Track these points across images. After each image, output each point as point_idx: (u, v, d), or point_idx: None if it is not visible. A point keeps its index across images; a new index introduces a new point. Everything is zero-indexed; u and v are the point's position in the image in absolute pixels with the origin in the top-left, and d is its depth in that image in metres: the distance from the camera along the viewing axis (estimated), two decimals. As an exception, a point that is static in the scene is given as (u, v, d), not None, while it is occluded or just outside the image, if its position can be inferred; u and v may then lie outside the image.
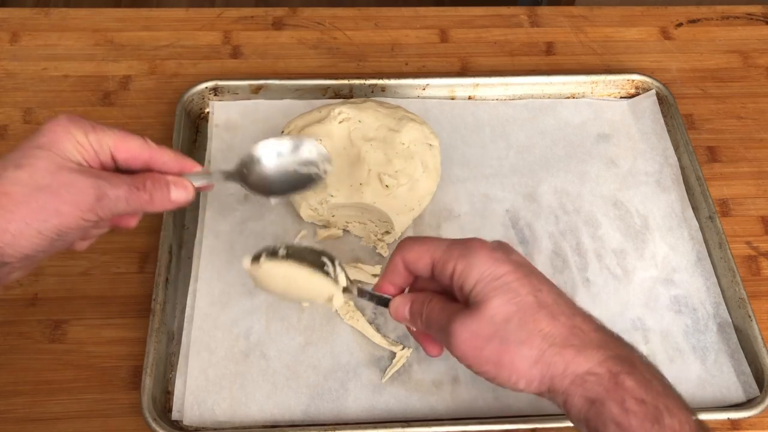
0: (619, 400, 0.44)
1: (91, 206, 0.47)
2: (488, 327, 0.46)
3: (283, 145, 0.56)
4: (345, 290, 0.54)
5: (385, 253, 0.69)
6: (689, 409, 0.46)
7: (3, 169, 0.46)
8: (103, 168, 0.49)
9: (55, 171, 0.46)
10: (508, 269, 0.47)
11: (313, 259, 0.54)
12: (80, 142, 0.48)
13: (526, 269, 0.49)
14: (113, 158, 0.50)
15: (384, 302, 0.54)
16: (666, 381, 0.48)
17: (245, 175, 0.55)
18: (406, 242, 0.52)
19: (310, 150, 0.57)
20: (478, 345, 0.47)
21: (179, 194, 0.51)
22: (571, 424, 0.59)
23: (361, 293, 0.54)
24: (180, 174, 0.51)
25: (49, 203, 0.45)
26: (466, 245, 0.49)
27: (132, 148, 0.50)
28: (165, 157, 0.51)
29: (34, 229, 0.45)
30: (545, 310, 0.47)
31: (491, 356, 0.47)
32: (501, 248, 0.49)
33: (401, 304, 0.52)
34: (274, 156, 0.56)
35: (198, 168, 0.52)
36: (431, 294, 0.52)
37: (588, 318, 0.48)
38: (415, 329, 0.54)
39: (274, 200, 0.57)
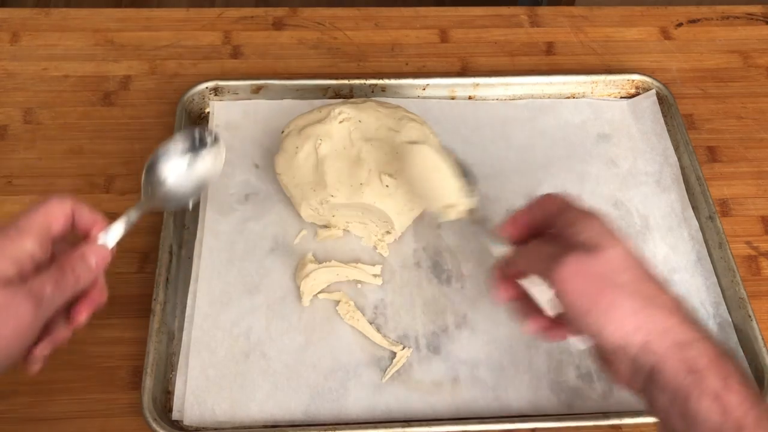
0: (723, 376, 0.44)
1: (29, 321, 0.45)
2: (601, 266, 0.47)
3: (168, 151, 0.56)
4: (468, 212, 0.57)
5: (385, 253, 0.69)
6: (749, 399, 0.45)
7: None
8: (45, 252, 0.48)
9: None
10: (624, 243, 0.49)
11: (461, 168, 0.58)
12: (16, 257, 0.46)
13: (638, 252, 0.50)
14: (53, 238, 0.49)
15: (494, 241, 0.56)
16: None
17: (152, 198, 0.55)
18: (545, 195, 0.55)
19: (190, 137, 0.56)
20: (586, 279, 0.47)
21: (98, 260, 0.50)
22: (571, 424, 0.59)
23: (479, 221, 0.59)
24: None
25: None
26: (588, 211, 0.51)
27: (60, 223, 0.49)
28: (84, 218, 0.50)
29: None
30: (655, 282, 0.48)
31: (593, 293, 0.47)
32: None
33: (512, 227, 0.55)
34: (166, 166, 0.56)
35: (105, 224, 0.51)
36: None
37: (692, 309, 0.49)
38: (500, 273, 0.55)
39: (191, 203, 0.57)
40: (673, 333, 0.46)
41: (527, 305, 0.54)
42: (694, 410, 0.44)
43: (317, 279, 0.66)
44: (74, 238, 0.51)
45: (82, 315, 0.49)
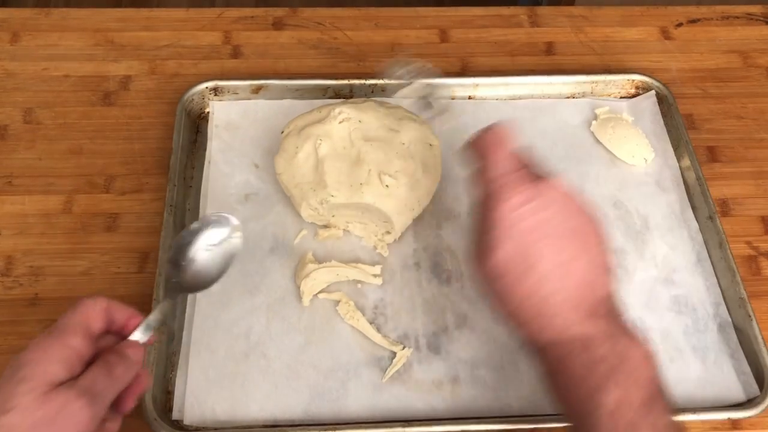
0: (564, 375, 0.49)
1: (89, 418, 0.46)
2: (490, 272, 0.51)
3: (198, 236, 0.58)
4: None
5: (385, 253, 0.69)
6: (646, 389, 0.48)
7: None
8: (90, 350, 0.49)
9: (43, 401, 0.45)
10: (522, 228, 0.50)
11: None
12: (65, 358, 0.47)
13: (542, 232, 0.51)
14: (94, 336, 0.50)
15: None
16: (627, 362, 0.49)
17: (179, 287, 0.56)
18: (489, 136, 0.55)
19: (218, 230, 0.58)
20: (479, 277, 0.53)
21: (135, 356, 0.51)
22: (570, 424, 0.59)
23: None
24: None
25: None
26: (502, 188, 0.51)
27: (98, 322, 0.50)
28: (120, 313, 0.52)
29: None
30: (533, 279, 0.50)
31: (485, 289, 0.53)
32: (533, 202, 0.51)
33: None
34: (198, 251, 0.57)
35: (140, 318, 0.53)
36: None
37: (572, 295, 0.51)
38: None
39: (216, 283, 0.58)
40: (537, 339, 0.50)
41: None
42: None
43: (317, 279, 0.66)
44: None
45: (130, 404, 0.51)
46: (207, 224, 0.58)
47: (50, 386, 0.46)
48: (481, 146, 0.54)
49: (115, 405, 0.50)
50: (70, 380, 0.47)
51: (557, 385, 0.50)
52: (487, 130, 0.55)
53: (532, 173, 0.53)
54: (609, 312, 0.51)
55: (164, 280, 0.58)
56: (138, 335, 0.52)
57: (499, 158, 0.53)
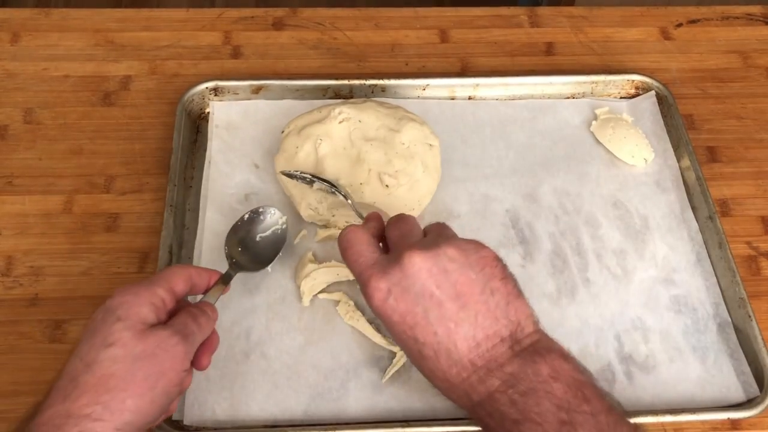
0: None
1: (183, 354, 0.50)
2: (388, 326, 0.51)
3: (252, 219, 0.67)
4: None
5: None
6: (563, 421, 0.45)
7: (94, 351, 0.48)
8: (173, 305, 0.54)
9: (141, 337, 0.49)
10: (397, 320, 0.48)
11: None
12: (153, 303, 0.51)
13: (415, 315, 0.48)
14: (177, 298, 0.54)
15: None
16: (535, 393, 0.46)
17: (240, 261, 0.64)
18: (339, 245, 0.53)
19: (271, 214, 0.67)
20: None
21: (212, 313, 0.55)
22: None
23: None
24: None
25: (151, 369, 0.48)
26: (365, 287, 0.49)
27: (181, 286, 0.54)
28: (202, 276, 0.57)
29: (148, 399, 0.48)
30: (426, 364, 0.49)
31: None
32: (396, 288, 0.48)
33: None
34: (254, 232, 0.66)
35: (218, 275, 0.59)
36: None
37: (464, 364, 0.48)
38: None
39: (270, 267, 0.66)
40: (468, 414, 0.49)
41: None
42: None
43: (317, 279, 0.66)
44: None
45: (206, 361, 0.55)
46: (258, 215, 0.67)
47: (144, 325, 0.50)
48: (340, 249, 0.54)
49: (193, 361, 0.53)
50: (166, 321, 0.51)
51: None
52: (340, 236, 0.54)
53: (389, 255, 0.51)
54: (510, 351, 0.47)
55: (228, 258, 0.64)
56: (211, 298, 0.57)
57: (351, 258, 0.52)
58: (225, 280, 0.59)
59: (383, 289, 0.48)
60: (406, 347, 0.49)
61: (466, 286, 0.48)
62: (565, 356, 0.48)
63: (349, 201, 0.65)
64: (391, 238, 0.53)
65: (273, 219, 0.67)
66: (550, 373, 0.46)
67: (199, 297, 0.57)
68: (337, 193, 0.66)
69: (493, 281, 0.49)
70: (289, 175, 0.67)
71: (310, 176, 0.67)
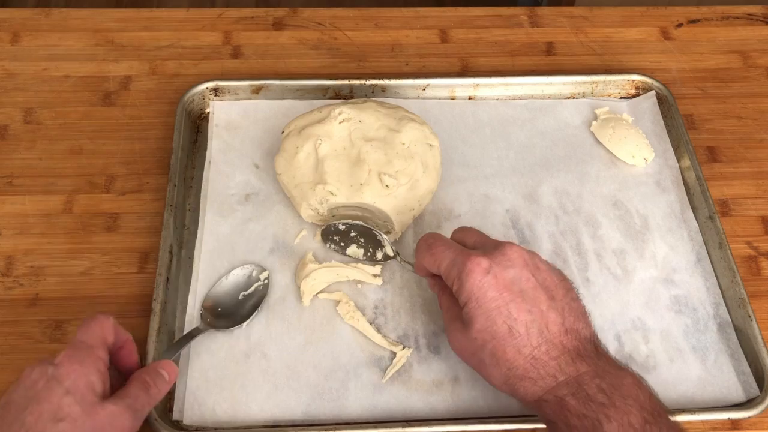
0: (564, 419, 0.50)
1: (131, 425, 0.50)
2: (471, 346, 0.54)
3: (225, 286, 0.66)
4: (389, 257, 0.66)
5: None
6: (646, 410, 0.50)
7: (42, 424, 0.46)
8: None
9: (92, 412, 0.48)
10: (492, 295, 0.53)
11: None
12: (99, 369, 0.51)
13: (512, 292, 0.54)
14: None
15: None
16: (624, 386, 0.51)
17: (210, 324, 0.63)
18: (421, 247, 0.59)
19: (255, 272, 0.67)
20: (465, 356, 0.56)
21: (170, 374, 0.56)
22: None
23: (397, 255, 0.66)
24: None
25: None
26: (463, 265, 0.54)
27: (111, 336, 0.54)
28: (119, 334, 0.56)
29: None
30: (514, 342, 0.52)
31: (474, 366, 0.56)
32: (495, 266, 0.54)
33: (433, 284, 0.61)
34: (224, 299, 0.65)
35: (133, 345, 0.57)
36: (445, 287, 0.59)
37: (557, 341, 0.53)
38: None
39: (245, 324, 0.64)
40: (530, 395, 0.52)
41: None
42: None
43: (317, 279, 0.66)
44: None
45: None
46: (241, 274, 0.66)
47: (94, 396, 0.49)
48: (422, 259, 0.58)
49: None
50: (113, 394, 0.51)
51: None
52: (420, 245, 0.59)
53: (479, 250, 0.56)
54: (595, 351, 0.53)
55: (199, 318, 0.64)
56: (168, 354, 0.58)
57: (441, 251, 0.57)
58: (188, 337, 0.61)
59: (485, 265, 0.54)
60: (494, 325, 0.53)
61: (553, 285, 0.55)
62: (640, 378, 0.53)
63: (394, 251, 0.66)
64: (472, 239, 0.59)
65: (255, 277, 0.66)
66: (633, 382, 0.51)
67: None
68: (377, 234, 0.67)
69: (573, 293, 0.56)
70: (326, 232, 0.68)
71: (345, 224, 0.67)
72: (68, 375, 0.49)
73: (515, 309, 0.53)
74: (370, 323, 0.65)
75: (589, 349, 0.53)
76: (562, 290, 0.55)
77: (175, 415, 0.60)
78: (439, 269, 0.57)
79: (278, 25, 0.89)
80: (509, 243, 0.56)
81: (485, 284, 0.53)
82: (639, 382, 0.52)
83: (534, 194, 0.73)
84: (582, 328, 0.54)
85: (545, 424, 0.53)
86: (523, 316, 0.53)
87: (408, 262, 0.65)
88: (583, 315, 0.55)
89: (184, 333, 0.63)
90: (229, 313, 0.64)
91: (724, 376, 0.63)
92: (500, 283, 0.53)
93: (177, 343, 0.61)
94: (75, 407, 0.47)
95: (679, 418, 0.60)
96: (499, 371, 0.53)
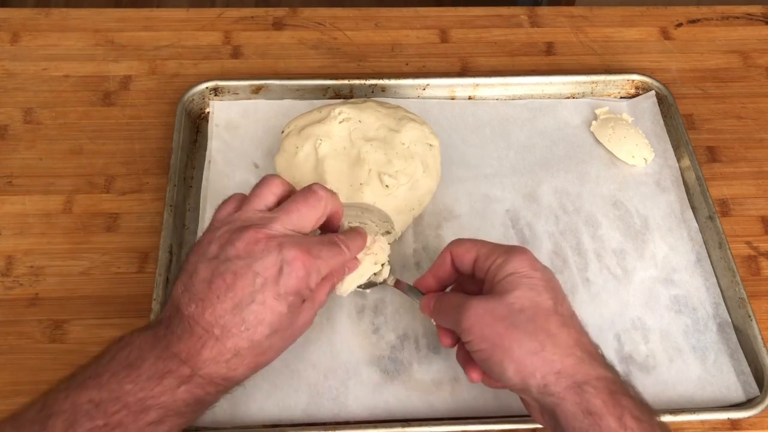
0: (618, 415, 0.46)
1: (311, 320, 0.54)
2: (503, 310, 0.50)
3: None
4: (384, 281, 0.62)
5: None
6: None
7: (256, 306, 0.48)
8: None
9: (296, 315, 0.51)
10: (541, 275, 0.52)
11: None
12: (315, 274, 0.52)
13: (556, 284, 0.53)
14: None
15: (418, 296, 0.60)
16: (654, 412, 0.50)
17: None
18: (457, 240, 0.58)
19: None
20: (487, 322, 0.50)
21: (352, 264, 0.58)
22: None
23: (399, 284, 0.62)
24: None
25: (289, 342, 0.53)
26: (512, 247, 0.54)
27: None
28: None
29: (268, 359, 0.52)
30: (559, 317, 0.50)
31: (494, 335, 0.49)
32: (541, 263, 0.54)
33: (430, 299, 0.58)
34: None
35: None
36: (448, 294, 0.57)
37: (593, 342, 0.52)
38: (435, 323, 0.59)
39: None
40: (568, 374, 0.48)
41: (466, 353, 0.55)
42: None
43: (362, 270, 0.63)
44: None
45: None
46: None
47: (299, 298, 0.50)
48: (455, 247, 0.57)
49: None
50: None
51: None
52: (451, 243, 0.58)
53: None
54: (603, 360, 0.52)
55: None
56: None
57: (481, 242, 0.56)
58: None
59: (532, 255, 0.54)
60: (539, 297, 0.51)
61: (568, 303, 0.53)
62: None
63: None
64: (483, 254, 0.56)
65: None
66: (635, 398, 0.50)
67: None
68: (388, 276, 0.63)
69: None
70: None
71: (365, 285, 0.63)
72: (295, 267, 0.49)
73: (561, 295, 0.52)
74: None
75: (601, 359, 0.52)
76: (569, 313, 0.54)
77: (175, 415, 0.60)
78: (477, 253, 0.55)
79: (278, 25, 0.89)
80: (521, 247, 0.56)
81: (535, 265, 0.53)
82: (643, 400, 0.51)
83: (534, 194, 0.73)
84: (592, 345, 0.52)
85: (573, 415, 0.47)
86: (567, 303, 0.52)
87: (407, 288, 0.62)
88: (587, 335, 0.53)
89: None
90: None
91: (723, 376, 0.63)
92: (547, 273, 0.53)
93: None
94: (285, 301, 0.49)
95: (679, 418, 0.60)
96: (535, 338, 0.48)
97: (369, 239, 0.60)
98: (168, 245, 0.67)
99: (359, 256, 0.59)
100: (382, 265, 0.62)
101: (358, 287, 0.61)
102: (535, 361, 0.48)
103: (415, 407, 0.61)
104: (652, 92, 0.80)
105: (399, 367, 0.62)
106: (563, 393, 0.47)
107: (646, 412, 0.48)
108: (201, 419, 0.59)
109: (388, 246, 0.62)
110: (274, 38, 0.87)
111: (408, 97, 0.80)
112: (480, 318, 0.50)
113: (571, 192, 0.74)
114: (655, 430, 0.47)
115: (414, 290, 0.61)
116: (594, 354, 0.50)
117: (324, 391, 0.61)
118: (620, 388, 0.49)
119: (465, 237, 0.58)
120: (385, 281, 0.63)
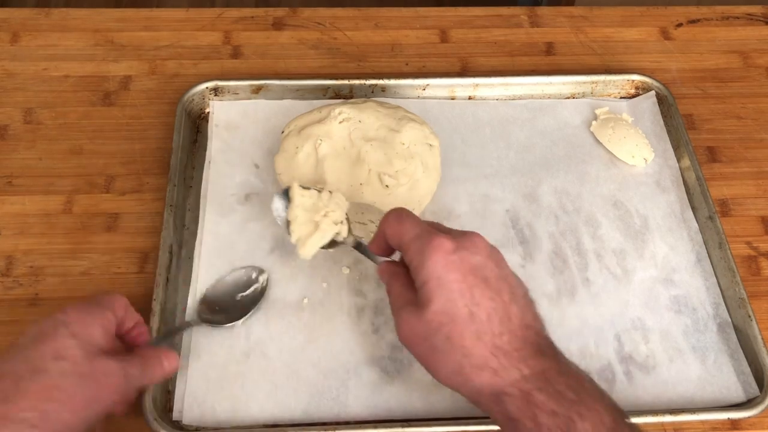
0: (531, 416, 0.47)
1: (122, 389, 0.51)
2: (424, 329, 0.50)
3: (231, 285, 0.66)
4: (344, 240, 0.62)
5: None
6: (612, 410, 0.48)
7: (43, 360, 0.48)
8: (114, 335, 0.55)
9: (92, 360, 0.50)
10: (456, 277, 0.50)
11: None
12: (104, 326, 0.53)
13: (476, 278, 0.50)
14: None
15: (373, 259, 0.59)
16: (587, 386, 0.49)
17: (204, 319, 0.64)
18: (391, 216, 0.55)
19: (248, 279, 0.66)
20: (414, 341, 0.52)
21: (170, 366, 0.57)
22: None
23: (358, 245, 0.61)
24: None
25: (93, 392, 0.49)
26: (428, 241, 0.51)
27: (121, 313, 0.56)
28: (131, 316, 0.58)
29: (80, 417, 0.49)
30: (473, 327, 0.49)
31: (421, 355, 0.52)
32: (462, 249, 0.51)
33: (383, 273, 0.57)
34: (230, 298, 0.65)
35: (145, 328, 0.59)
36: (402, 269, 0.55)
37: (519, 334, 0.50)
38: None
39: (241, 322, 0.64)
40: (486, 388, 0.49)
41: None
42: None
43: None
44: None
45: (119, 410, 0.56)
46: (239, 275, 0.66)
47: (94, 347, 0.50)
48: (387, 227, 0.55)
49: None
50: (116, 353, 0.52)
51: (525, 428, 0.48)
52: (389, 215, 0.56)
53: (446, 234, 0.53)
54: (553, 349, 0.51)
55: (196, 313, 0.64)
56: (154, 343, 0.58)
57: (409, 224, 0.54)
58: (179, 329, 0.62)
59: (451, 246, 0.51)
60: (454, 307, 0.49)
61: (514, 282, 0.52)
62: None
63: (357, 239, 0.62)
64: (437, 227, 0.55)
65: (254, 278, 0.66)
66: (593, 382, 0.50)
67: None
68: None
69: (530, 296, 0.53)
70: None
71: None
72: (75, 321, 0.51)
73: (479, 294, 0.50)
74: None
75: (550, 346, 0.51)
76: (521, 290, 0.53)
77: (175, 415, 0.60)
78: (401, 241, 0.53)
79: (278, 25, 0.89)
80: (476, 233, 0.53)
81: (449, 264, 0.50)
82: (597, 383, 0.50)
83: (534, 194, 0.73)
84: (540, 328, 0.52)
85: (501, 422, 0.49)
86: (486, 302, 0.50)
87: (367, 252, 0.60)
88: (539, 317, 0.53)
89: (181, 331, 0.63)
90: (225, 311, 0.64)
91: (723, 376, 0.63)
92: (465, 266, 0.50)
93: (165, 334, 0.61)
94: (77, 350, 0.49)
95: (679, 418, 0.60)
96: (452, 359, 0.49)
97: (325, 195, 0.61)
98: (168, 245, 0.67)
99: (317, 218, 0.61)
100: (341, 223, 0.61)
101: (321, 248, 0.61)
102: (458, 380, 0.50)
103: (415, 407, 0.61)
104: (652, 92, 0.80)
105: (399, 367, 0.62)
106: (488, 405, 0.49)
107: (564, 401, 0.47)
108: (201, 419, 0.59)
109: (346, 202, 0.62)
110: (274, 38, 0.87)
111: (408, 97, 0.80)
112: (408, 337, 0.52)
113: (571, 192, 0.74)
114: (572, 418, 0.46)
115: (369, 254, 0.59)
116: (509, 353, 0.49)
117: (324, 391, 0.61)
118: (535, 384, 0.48)
119: (409, 214, 0.56)
120: (344, 241, 0.62)
